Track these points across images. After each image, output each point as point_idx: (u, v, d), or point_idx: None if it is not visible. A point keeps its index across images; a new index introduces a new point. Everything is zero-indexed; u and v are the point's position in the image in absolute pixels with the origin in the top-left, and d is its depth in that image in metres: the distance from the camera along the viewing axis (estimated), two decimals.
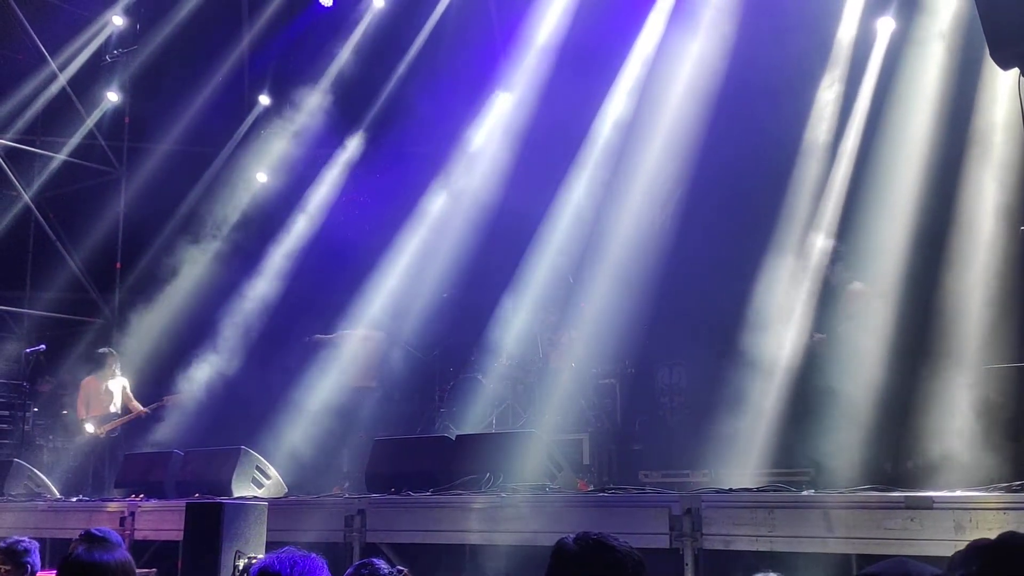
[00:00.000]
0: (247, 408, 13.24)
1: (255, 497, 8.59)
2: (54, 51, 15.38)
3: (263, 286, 14.64)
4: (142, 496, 9.52)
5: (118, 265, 16.38)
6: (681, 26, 11.85)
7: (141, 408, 12.49)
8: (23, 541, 4.73)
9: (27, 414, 13.93)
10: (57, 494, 11.10)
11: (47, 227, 15.88)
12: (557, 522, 6.43)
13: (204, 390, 13.49)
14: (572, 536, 2.96)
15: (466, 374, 11.95)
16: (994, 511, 4.99)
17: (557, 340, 11.67)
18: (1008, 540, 2.05)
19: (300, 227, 15.03)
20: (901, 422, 8.19)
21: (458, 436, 9.02)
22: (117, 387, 12.44)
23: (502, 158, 13.27)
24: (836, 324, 9.48)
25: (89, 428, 12.16)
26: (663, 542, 5.98)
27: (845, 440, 7.98)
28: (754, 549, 5.70)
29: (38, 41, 15.24)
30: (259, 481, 9.35)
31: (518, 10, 13.53)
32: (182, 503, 7.45)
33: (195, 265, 14.96)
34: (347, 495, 8.67)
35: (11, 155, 15.48)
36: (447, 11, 14.50)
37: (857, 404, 8.20)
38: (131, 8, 16.09)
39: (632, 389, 11.30)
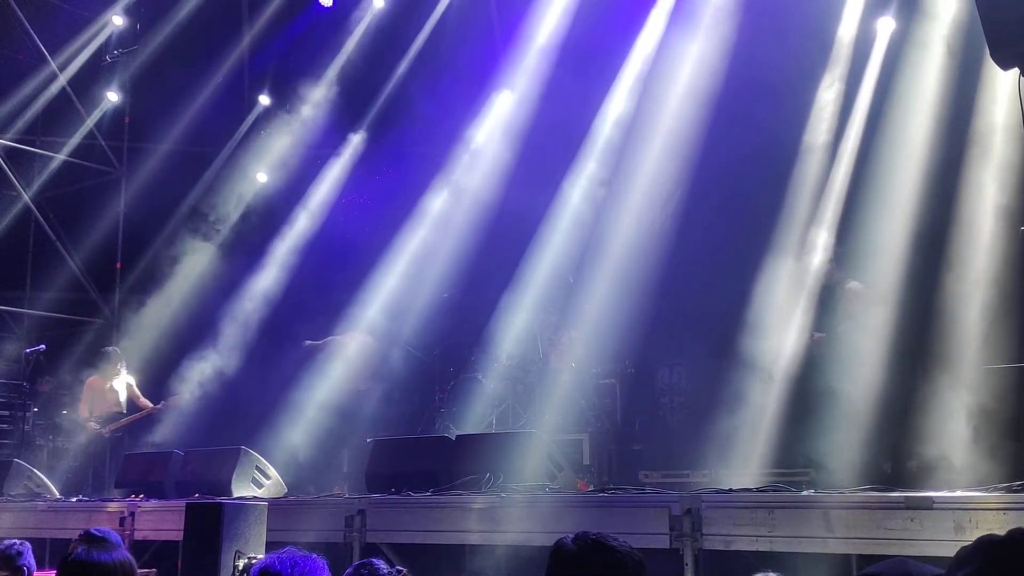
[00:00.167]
0: (247, 408, 13.24)
1: (255, 497, 8.59)
2: (54, 51, 15.38)
3: (263, 286, 14.64)
4: (142, 496, 9.52)
5: (118, 265, 16.39)
6: (681, 26, 11.84)
7: (150, 405, 12.47)
8: (15, 544, 4.70)
9: (27, 414, 13.93)
10: (57, 494, 11.09)
11: (47, 227, 15.88)
12: (557, 522, 6.43)
13: (204, 390, 13.48)
14: (571, 536, 2.96)
15: (466, 374, 11.96)
16: (994, 511, 4.99)
17: (557, 340, 11.67)
18: (1018, 536, 2.03)
19: (300, 227, 15.03)
20: (901, 422, 8.19)
21: (458, 436, 9.02)
22: (122, 386, 12.42)
23: (502, 158, 13.27)
24: (835, 324, 9.48)
25: (93, 427, 12.16)
26: (663, 542, 5.98)
27: (845, 440, 7.98)
28: (754, 549, 5.70)
29: (38, 41, 15.24)
30: (259, 481, 9.35)
31: (518, 10, 13.53)
32: (182, 503, 7.45)
33: (195, 265, 14.97)
34: (346, 495, 8.66)
35: (11, 155, 15.48)
36: (447, 11, 14.50)
37: (857, 404, 8.20)
38: (131, 8, 16.09)
39: (632, 389, 11.29)
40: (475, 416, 11.36)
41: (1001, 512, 4.97)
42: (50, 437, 14.08)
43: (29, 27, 15.15)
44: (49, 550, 9.04)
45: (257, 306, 14.71)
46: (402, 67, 14.95)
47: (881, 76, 10.82)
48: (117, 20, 15.99)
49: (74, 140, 16.03)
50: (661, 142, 11.53)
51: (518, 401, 11.45)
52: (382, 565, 3.44)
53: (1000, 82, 9.22)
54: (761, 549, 5.66)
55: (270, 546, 6.40)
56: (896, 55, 10.53)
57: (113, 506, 9.28)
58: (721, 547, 5.86)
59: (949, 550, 4.92)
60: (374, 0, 14.92)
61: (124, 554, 3.69)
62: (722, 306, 10.41)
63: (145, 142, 16.61)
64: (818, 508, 5.58)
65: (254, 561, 5.75)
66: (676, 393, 10.99)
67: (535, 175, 12.71)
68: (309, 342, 12.79)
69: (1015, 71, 5.06)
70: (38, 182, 16.00)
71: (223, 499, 7.68)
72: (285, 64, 16.14)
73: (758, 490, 6.45)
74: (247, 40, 16.30)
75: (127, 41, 16.26)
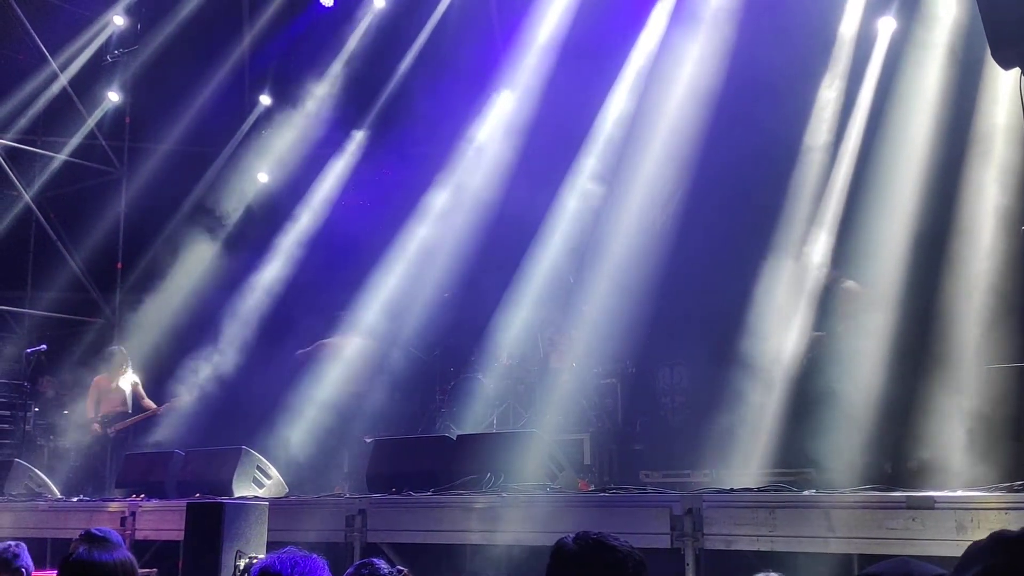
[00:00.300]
0: (248, 408, 13.24)
1: (256, 497, 8.59)
2: (55, 51, 15.38)
3: (264, 285, 14.65)
4: (143, 496, 9.52)
5: (119, 265, 16.40)
6: (682, 26, 11.84)
7: (153, 406, 12.47)
8: (10, 546, 4.66)
9: (28, 414, 13.93)
10: (58, 494, 11.10)
11: (48, 227, 15.89)
12: (558, 522, 6.42)
13: (204, 390, 13.48)
14: (571, 536, 2.96)
15: (467, 374, 11.96)
16: (996, 511, 4.99)
17: (558, 340, 11.67)
18: None
19: (301, 227, 15.02)
20: (902, 422, 8.18)
21: (459, 436, 9.03)
22: (127, 385, 12.42)
23: (503, 157, 13.27)
24: (833, 324, 9.49)
25: (97, 428, 12.17)
26: (664, 542, 5.97)
27: (846, 440, 7.98)
28: (755, 549, 5.70)
29: (39, 41, 15.25)
30: (260, 481, 9.35)
31: (519, 9, 13.53)
32: (183, 503, 7.45)
33: (196, 265, 14.97)
34: (347, 495, 8.66)
35: (12, 155, 15.48)
36: (448, 10, 14.49)
37: (858, 404, 8.20)
38: (132, 8, 16.10)
39: (633, 389, 11.29)
40: (476, 416, 11.35)
41: (1003, 512, 4.97)
42: (51, 437, 14.09)
43: (30, 27, 15.15)
44: (50, 550, 9.05)
45: (258, 306, 14.72)
46: (402, 67, 14.95)
47: (882, 76, 10.82)
48: (118, 20, 16.00)
49: (75, 140, 16.04)
50: (662, 142, 11.52)
51: (519, 401, 11.45)
52: (383, 565, 3.43)
53: (1001, 82, 9.21)
54: (762, 549, 5.66)
55: (271, 546, 6.40)
56: (897, 55, 10.52)
57: (114, 506, 9.28)
58: (722, 547, 5.86)
59: (951, 550, 4.93)
60: (375, 0, 14.91)
61: (125, 554, 3.69)
62: (723, 306, 10.41)
63: (146, 142, 16.62)
64: (819, 508, 5.58)
65: (255, 561, 5.75)
66: (677, 393, 10.99)
67: (536, 175, 12.72)
68: (300, 351, 12.79)
69: (1016, 71, 5.06)
70: (39, 182, 16.00)
71: (224, 499, 7.68)
72: (286, 64, 16.15)
73: (759, 490, 6.46)
74: (248, 40, 16.30)
75: (128, 41, 16.27)
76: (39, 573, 5.06)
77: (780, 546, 5.60)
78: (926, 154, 9.65)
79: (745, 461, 8.94)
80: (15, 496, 10.65)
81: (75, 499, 10.50)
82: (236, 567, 6.15)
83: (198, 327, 14.48)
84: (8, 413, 14.16)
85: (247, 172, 15.67)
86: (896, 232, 9.42)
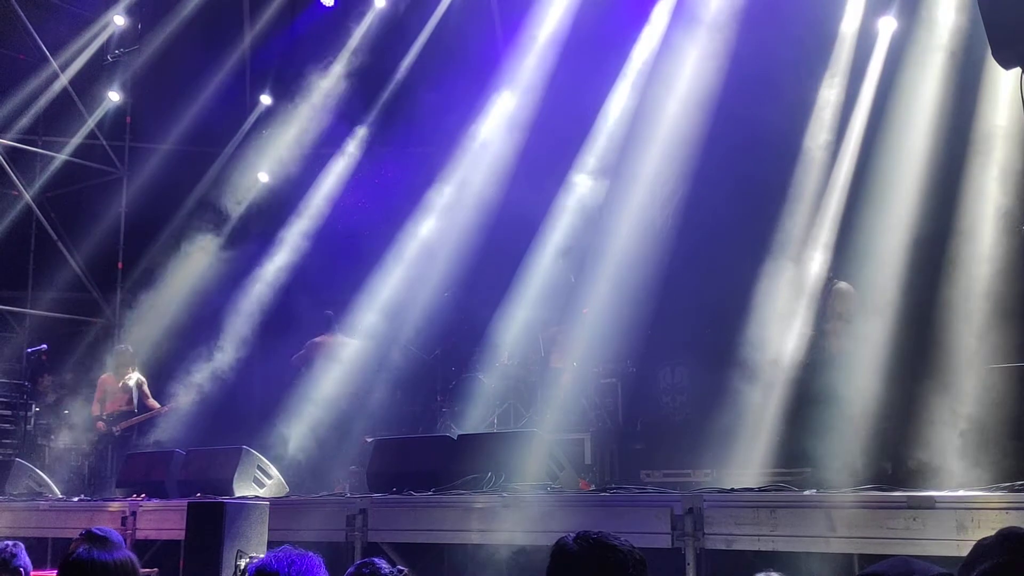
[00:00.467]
0: (248, 407, 13.24)
1: (256, 497, 8.60)
2: (55, 51, 15.39)
3: (264, 285, 14.65)
4: (144, 496, 9.52)
5: (120, 265, 16.40)
6: (683, 25, 11.84)
7: (158, 405, 12.48)
8: (7, 546, 4.62)
9: (29, 414, 13.93)
10: (59, 494, 11.10)
11: (49, 227, 15.89)
12: (559, 522, 6.42)
13: (205, 390, 13.48)
14: (572, 536, 2.95)
15: (468, 373, 11.96)
16: (996, 511, 4.99)
17: (559, 339, 11.67)
18: None
19: (302, 227, 15.03)
20: (902, 422, 8.18)
21: (460, 436, 9.03)
22: (133, 385, 12.43)
23: (503, 157, 13.28)
24: (823, 322, 9.51)
25: (101, 426, 12.18)
26: (665, 542, 5.97)
27: (846, 440, 7.97)
28: (756, 549, 5.69)
29: (40, 41, 15.25)
30: (260, 481, 9.36)
31: (520, 8, 13.53)
32: (184, 503, 7.45)
33: (196, 265, 14.97)
34: (348, 494, 8.66)
35: (13, 155, 15.49)
36: (448, 10, 14.49)
37: (858, 404, 8.19)
38: (132, 8, 16.11)
39: (634, 389, 11.29)
40: (476, 415, 11.36)
41: (1003, 511, 4.96)
42: (51, 437, 14.10)
43: (31, 27, 15.16)
44: (51, 550, 9.06)
45: (258, 305, 14.73)
46: (403, 67, 14.96)
47: (882, 76, 10.81)
48: (118, 20, 16.01)
49: (76, 140, 16.04)
50: (662, 141, 11.52)
51: (520, 400, 11.45)
52: (383, 564, 3.44)
53: (1002, 82, 9.20)
54: (763, 548, 5.66)
55: (272, 545, 6.40)
56: (897, 55, 10.52)
57: (115, 506, 9.29)
58: (723, 547, 5.85)
59: (951, 550, 4.93)
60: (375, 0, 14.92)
61: (126, 553, 3.67)
62: (723, 306, 10.41)
63: (146, 142, 16.64)
64: (820, 508, 5.57)
65: (255, 560, 5.75)
66: (678, 392, 10.98)
67: (536, 174, 12.72)
68: (294, 356, 12.82)
69: (1016, 70, 5.06)
70: (40, 182, 16.00)
71: (225, 498, 7.68)
72: (287, 63, 16.15)
73: (760, 490, 6.45)
74: (248, 39, 16.32)
75: (128, 41, 16.27)
76: (40, 573, 5.04)
77: (781, 546, 5.60)
78: (927, 155, 9.64)
79: (746, 461, 8.94)
80: (16, 496, 10.65)
81: (76, 499, 10.51)
82: (237, 566, 6.16)
83: (199, 327, 14.49)
84: (9, 413, 14.15)
85: (248, 172, 15.67)
86: (896, 232, 9.41)
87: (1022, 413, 7.08)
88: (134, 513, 8.90)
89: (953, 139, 9.54)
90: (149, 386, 12.68)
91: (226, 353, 14.02)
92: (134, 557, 3.69)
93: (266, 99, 16.45)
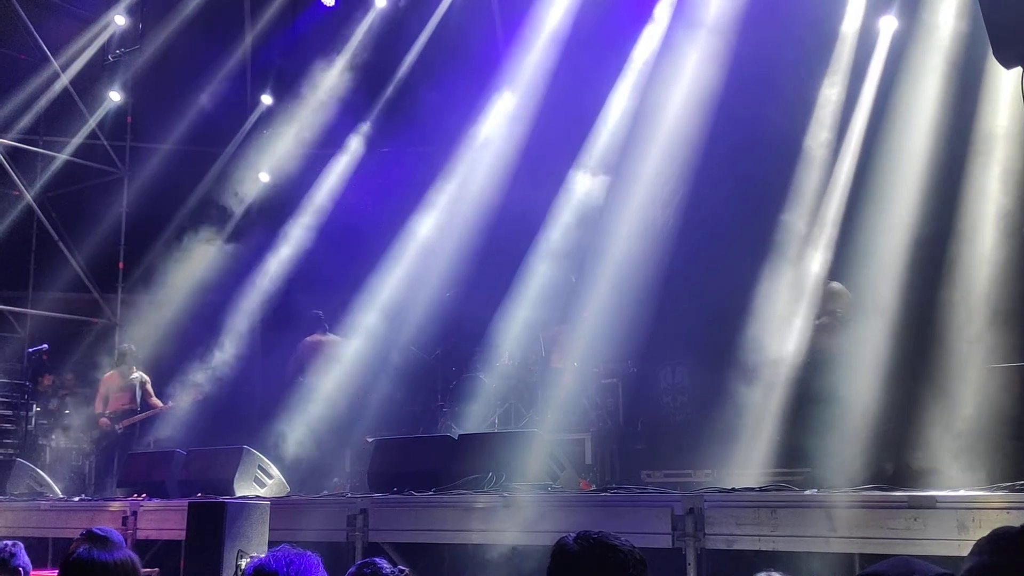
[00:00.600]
0: (249, 407, 13.24)
1: (257, 496, 8.60)
2: (56, 51, 15.40)
3: (265, 284, 14.66)
4: (144, 496, 9.52)
5: (121, 265, 16.41)
6: (684, 25, 11.83)
7: (160, 404, 12.49)
8: (6, 545, 4.60)
9: (30, 413, 13.94)
10: (59, 493, 11.10)
11: (50, 227, 15.89)
12: (559, 522, 6.42)
13: (206, 389, 13.49)
14: (572, 536, 2.95)
15: (468, 373, 11.96)
16: (997, 510, 4.99)
17: (559, 340, 11.67)
18: None
19: (303, 227, 15.03)
20: (903, 422, 8.17)
21: (460, 435, 9.02)
22: (136, 383, 12.43)
23: (504, 157, 13.27)
24: (816, 321, 9.52)
25: (105, 422, 12.19)
26: (665, 542, 5.97)
27: (846, 440, 7.96)
28: (757, 549, 5.69)
29: (41, 41, 15.26)
30: (261, 480, 9.36)
31: (520, 9, 13.53)
32: (184, 503, 7.45)
33: (197, 265, 14.97)
34: (349, 494, 8.66)
35: (14, 155, 15.49)
36: (449, 10, 14.49)
37: (859, 404, 8.19)
38: (133, 8, 16.12)
39: (634, 389, 11.29)
40: (477, 415, 11.36)
41: (1004, 511, 4.96)
42: (52, 436, 14.10)
43: (31, 27, 15.16)
44: (51, 550, 9.06)
45: (259, 305, 14.74)
46: (404, 67, 14.96)
47: (883, 75, 10.80)
48: (119, 20, 16.02)
49: (76, 140, 16.04)
50: (663, 141, 11.52)
51: (520, 400, 11.45)
52: (385, 564, 3.43)
53: (1003, 82, 9.20)
54: (764, 548, 5.65)
55: (272, 545, 6.39)
56: (898, 54, 10.51)
57: (115, 505, 9.29)
58: (724, 547, 5.85)
59: (952, 549, 4.93)
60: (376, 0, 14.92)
61: (127, 553, 3.67)
62: (724, 306, 10.41)
63: (147, 142, 16.64)
64: (821, 508, 5.57)
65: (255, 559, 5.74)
66: (678, 393, 10.98)
67: (537, 174, 12.72)
68: (290, 363, 12.86)
69: (1017, 70, 5.06)
70: (40, 182, 16.00)
71: (226, 498, 7.68)
72: (288, 63, 16.16)
73: (761, 489, 6.44)
74: (249, 39, 16.32)
75: (129, 41, 16.27)
76: (41, 572, 5.04)
77: (782, 546, 5.60)
78: (927, 155, 9.64)
79: (746, 461, 8.93)
80: (17, 496, 10.65)
81: (76, 499, 10.51)
82: (238, 566, 6.15)
83: (199, 327, 14.49)
84: (10, 413, 14.16)
85: (249, 172, 15.67)
86: (897, 233, 9.41)
87: (1023, 413, 7.08)
88: (135, 513, 8.90)
89: (954, 139, 9.54)
90: (151, 385, 12.68)
91: (227, 353, 14.04)
92: (135, 557, 3.68)
93: (267, 99, 16.46)
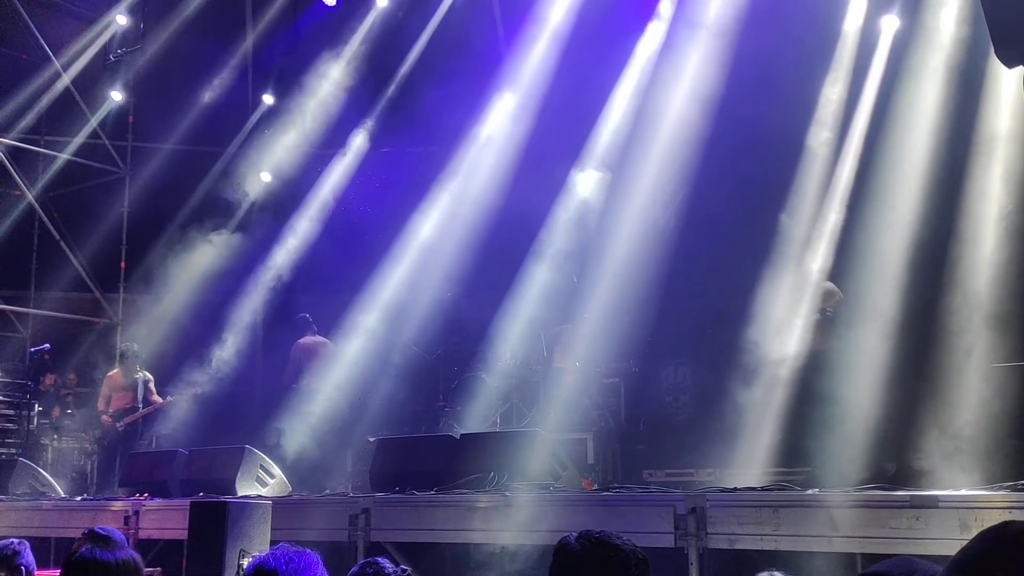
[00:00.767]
0: (250, 407, 13.25)
1: (259, 496, 8.60)
2: (58, 50, 15.41)
3: (266, 284, 14.67)
4: (146, 495, 9.53)
5: (122, 264, 16.41)
6: (685, 25, 11.83)
7: (159, 400, 12.50)
8: (11, 543, 4.56)
9: (32, 413, 13.94)
10: (61, 493, 11.11)
11: (51, 227, 15.90)
12: (561, 521, 6.42)
13: (207, 389, 13.49)
14: (574, 535, 2.95)
15: (470, 373, 11.97)
16: (999, 510, 4.98)
17: (561, 339, 11.67)
18: (992, 531, 2.02)
19: (304, 227, 15.04)
20: (905, 421, 8.17)
21: (462, 435, 9.02)
22: (139, 383, 12.43)
23: (506, 157, 13.27)
24: (793, 317, 9.53)
25: (107, 420, 12.20)
26: (667, 541, 5.97)
27: (848, 440, 7.96)
28: (759, 548, 5.69)
29: (42, 41, 15.27)
30: (263, 480, 9.36)
31: (521, 8, 13.53)
32: (186, 502, 7.45)
33: (198, 264, 14.97)
34: (351, 494, 8.66)
35: (15, 154, 15.50)
36: (450, 10, 14.49)
37: (860, 404, 8.18)
38: (135, 7, 16.12)
39: (636, 388, 11.28)
40: (479, 415, 11.36)
41: (1006, 511, 4.96)
42: (55, 436, 14.11)
43: (33, 27, 15.18)
44: (54, 549, 9.06)
45: (260, 304, 14.74)
46: (405, 67, 14.97)
47: (885, 75, 10.79)
48: (121, 19, 16.02)
49: (78, 139, 16.06)
50: (665, 141, 11.52)
51: (522, 400, 11.46)
52: (387, 564, 3.43)
53: (1005, 82, 9.19)
54: (766, 548, 5.65)
55: (274, 545, 6.39)
56: (900, 54, 10.50)
57: (117, 505, 9.29)
58: (725, 546, 5.85)
59: (954, 549, 4.88)
60: (377, 0, 14.92)
61: (128, 553, 3.67)
62: (725, 305, 10.41)
63: (149, 141, 16.65)
64: (823, 507, 5.57)
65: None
66: (680, 392, 10.98)
67: (539, 174, 12.72)
68: (287, 370, 12.89)
69: (1019, 69, 5.05)
70: (42, 182, 16.01)
71: (227, 498, 7.68)
72: (289, 63, 16.16)
73: (763, 489, 6.44)
74: (251, 39, 16.33)
75: (131, 40, 16.28)
76: (43, 572, 5.02)
77: (784, 545, 5.59)
78: (929, 155, 9.63)
79: (748, 460, 8.93)
80: (19, 495, 10.66)
81: (78, 498, 10.52)
82: (239, 566, 6.15)
83: (201, 326, 14.49)
84: (12, 412, 14.16)
85: (250, 171, 15.67)
86: (898, 233, 9.39)
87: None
88: (137, 512, 8.90)
89: (955, 140, 9.52)
90: (154, 384, 12.69)
91: (228, 352, 14.04)
92: (137, 556, 3.68)
93: (268, 98, 16.47)
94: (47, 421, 14.26)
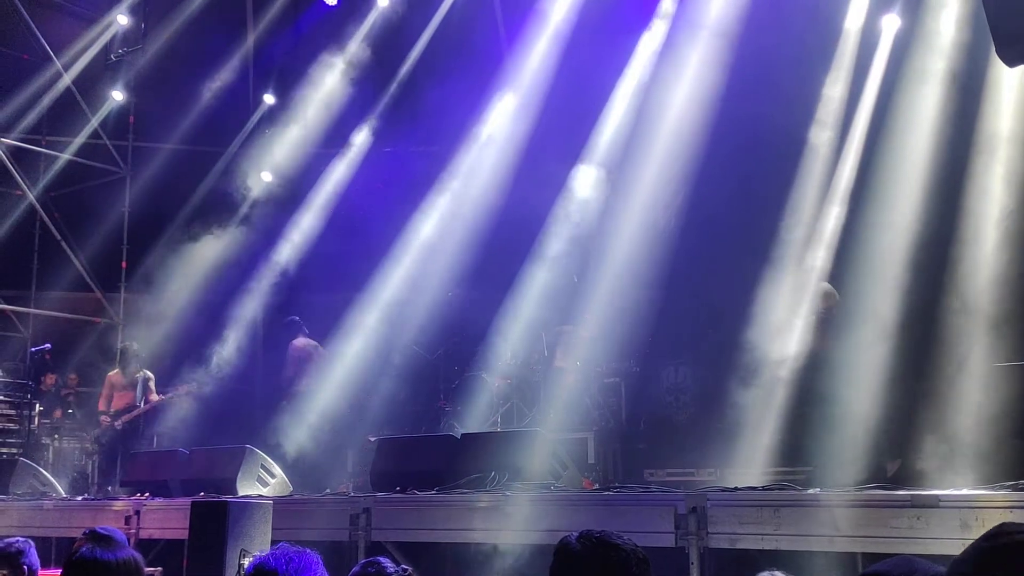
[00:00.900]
0: (251, 406, 13.25)
1: (260, 496, 8.60)
2: (59, 50, 15.41)
3: (267, 284, 14.66)
4: (147, 495, 9.53)
5: (123, 264, 16.42)
6: (686, 25, 11.82)
7: (155, 399, 12.49)
8: (16, 542, 4.54)
9: (33, 413, 13.95)
10: (63, 493, 11.12)
11: (52, 227, 15.91)
12: (562, 521, 6.42)
13: (208, 388, 13.49)
14: (575, 535, 2.95)
15: (471, 373, 11.96)
16: (1000, 509, 4.98)
17: (562, 339, 11.67)
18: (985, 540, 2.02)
19: (305, 226, 15.04)
20: (905, 421, 8.17)
21: (463, 435, 9.02)
22: (139, 382, 12.43)
23: (507, 157, 13.27)
24: (794, 317, 9.53)
25: (105, 420, 12.20)
26: (668, 541, 5.97)
27: (850, 439, 7.96)
28: (760, 548, 5.69)
29: (43, 41, 15.28)
30: (264, 480, 9.36)
31: (522, 8, 13.53)
32: (187, 502, 7.45)
33: (200, 264, 14.97)
34: (352, 494, 8.67)
35: (16, 154, 15.50)
36: (451, 9, 14.49)
37: (861, 403, 8.18)
38: (136, 7, 16.12)
39: (637, 388, 11.28)
40: (480, 415, 11.37)
41: (1008, 510, 4.96)
42: (55, 436, 14.12)
43: (34, 26, 15.18)
44: (55, 549, 9.07)
45: (261, 305, 14.74)
46: (406, 67, 14.97)
47: (886, 74, 10.79)
48: (122, 19, 16.03)
49: (79, 139, 16.07)
50: (665, 140, 11.51)
51: (523, 400, 11.46)
52: (388, 564, 3.43)
53: (1006, 82, 9.18)
54: (767, 547, 5.65)
55: (275, 545, 6.39)
56: (901, 53, 10.49)
57: (118, 505, 9.30)
58: (726, 545, 5.85)
59: (955, 548, 4.92)
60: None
61: (130, 552, 3.67)
62: (726, 305, 10.41)
63: (150, 141, 16.67)
64: (824, 507, 5.57)
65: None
66: (681, 392, 10.97)
67: (540, 173, 12.71)
68: (287, 373, 12.91)
69: (1021, 68, 5.05)
70: (43, 181, 16.02)
71: (228, 498, 7.68)
72: (290, 63, 16.16)
73: (764, 488, 6.44)
74: (251, 39, 16.33)
75: (132, 40, 16.28)
76: (44, 572, 5.02)
77: (784, 545, 5.59)
78: (930, 155, 9.61)
79: (749, 459, 8.93)
80: (20, 495, 10.66)
81: (79, 498, 10.52)
82: (240, 566, 6.15)
83: (202, 326, 14.49)
84: (13, 412, 14.17)
85: (251, 171, 15.67)
86: (899, 232, 9.39)
87: None
88: (138, 512, 8.90)
89: (957, 140, 9.51)
90: (155, 383, 12.69)
91: (229, 352, 14.04)
92: (138, 556, 3.69)
93: (269, 98, 16.48)
94: (48, 421, 14.26)
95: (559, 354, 11.59)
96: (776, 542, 5.63)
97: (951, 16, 9.92)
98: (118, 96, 16.40)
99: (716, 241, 10.99)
